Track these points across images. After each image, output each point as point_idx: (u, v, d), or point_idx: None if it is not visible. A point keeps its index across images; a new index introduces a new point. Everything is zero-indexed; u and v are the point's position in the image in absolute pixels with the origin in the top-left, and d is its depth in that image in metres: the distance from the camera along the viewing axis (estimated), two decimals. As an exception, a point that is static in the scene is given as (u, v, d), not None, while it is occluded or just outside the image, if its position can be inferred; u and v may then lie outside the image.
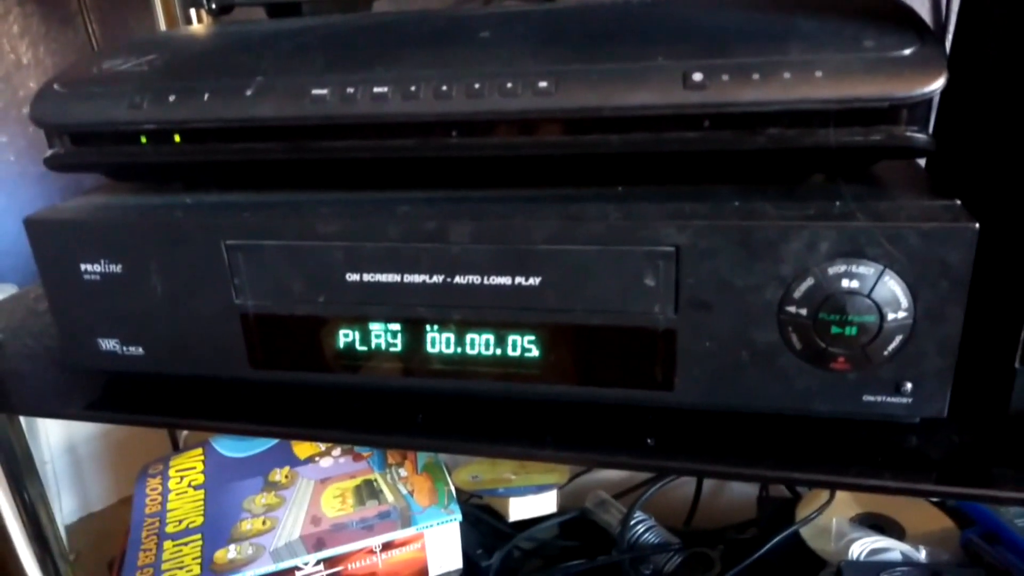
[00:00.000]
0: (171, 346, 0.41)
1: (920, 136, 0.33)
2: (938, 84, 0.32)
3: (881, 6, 0.37)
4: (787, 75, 0.33)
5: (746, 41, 0.35)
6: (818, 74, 0.32)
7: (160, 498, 0.66)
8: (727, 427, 0.38)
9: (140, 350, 0.41)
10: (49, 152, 0.41)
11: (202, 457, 0.70)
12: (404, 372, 0.39)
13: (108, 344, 0.42)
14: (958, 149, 0.44)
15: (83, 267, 0.40)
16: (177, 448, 0.85)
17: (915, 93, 0.32)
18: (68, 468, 0.84)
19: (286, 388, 0.42)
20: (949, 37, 0.42)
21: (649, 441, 0.37)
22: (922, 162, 0.44)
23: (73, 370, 0.44)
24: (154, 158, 0.39)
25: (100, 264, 0.40)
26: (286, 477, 0.67)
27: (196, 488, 0.66)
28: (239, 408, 0.42)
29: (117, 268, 0.40)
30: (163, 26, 0.69)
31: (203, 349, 0.41)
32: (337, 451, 0.70)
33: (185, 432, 0.84)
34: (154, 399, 0.44)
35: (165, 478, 0.68)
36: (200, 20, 0.66)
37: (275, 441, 0.71)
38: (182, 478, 0.68)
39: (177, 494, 0.66)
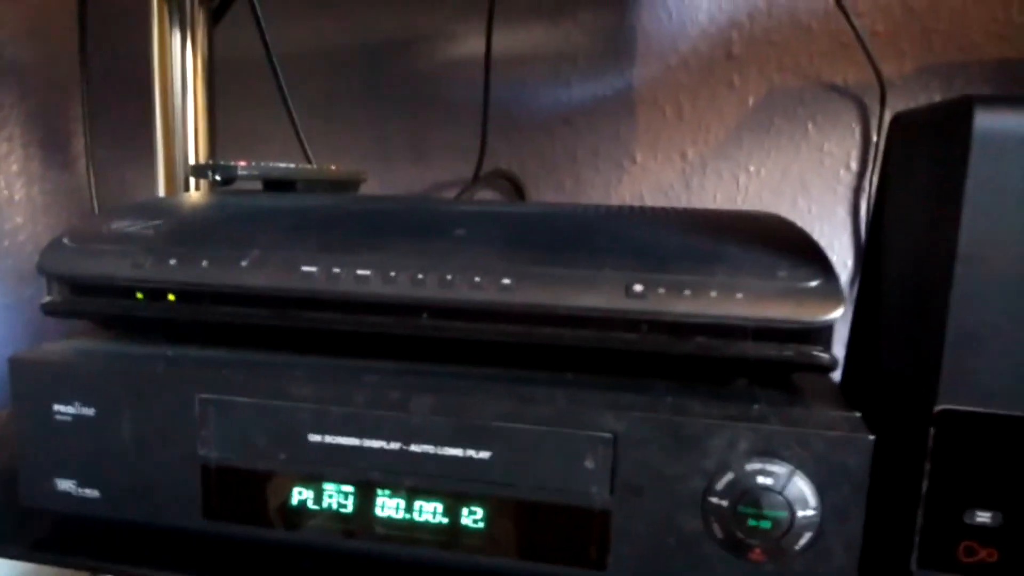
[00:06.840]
0: (127, 491, 0.42)
1: (824, 355, 0.39)
2: (837, 314, 0.38)
3: (795, 241, 0.44)
4: (714, 294, 0.39)
5: (681, 260, 0.41)
6: (739, 296, 0.38)
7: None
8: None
9: (96, 492, 0.42)
10: (47, 299, 0.44)
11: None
12: (353, 534, 0.41)
13: (65, 485, 0.43)
14: (865, 365, 0.50)
15: (56, 407, 0.42)
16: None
17: (819, 319, 0.38)
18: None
19: (235, 541, 0.43)
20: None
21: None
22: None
23: (27, 509, 0.44)
24: (148, 313, 0.43)
25: (74, 406, 0.42)
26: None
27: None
28: (186, 557, 0.43)
29: (90, 411, 0.42)
30: (161, 183, 0.74)
31: (159, 496, 0.42)
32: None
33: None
34: (101, 544, 0.44)
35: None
36: (198, 188, 0.72)
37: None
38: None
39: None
